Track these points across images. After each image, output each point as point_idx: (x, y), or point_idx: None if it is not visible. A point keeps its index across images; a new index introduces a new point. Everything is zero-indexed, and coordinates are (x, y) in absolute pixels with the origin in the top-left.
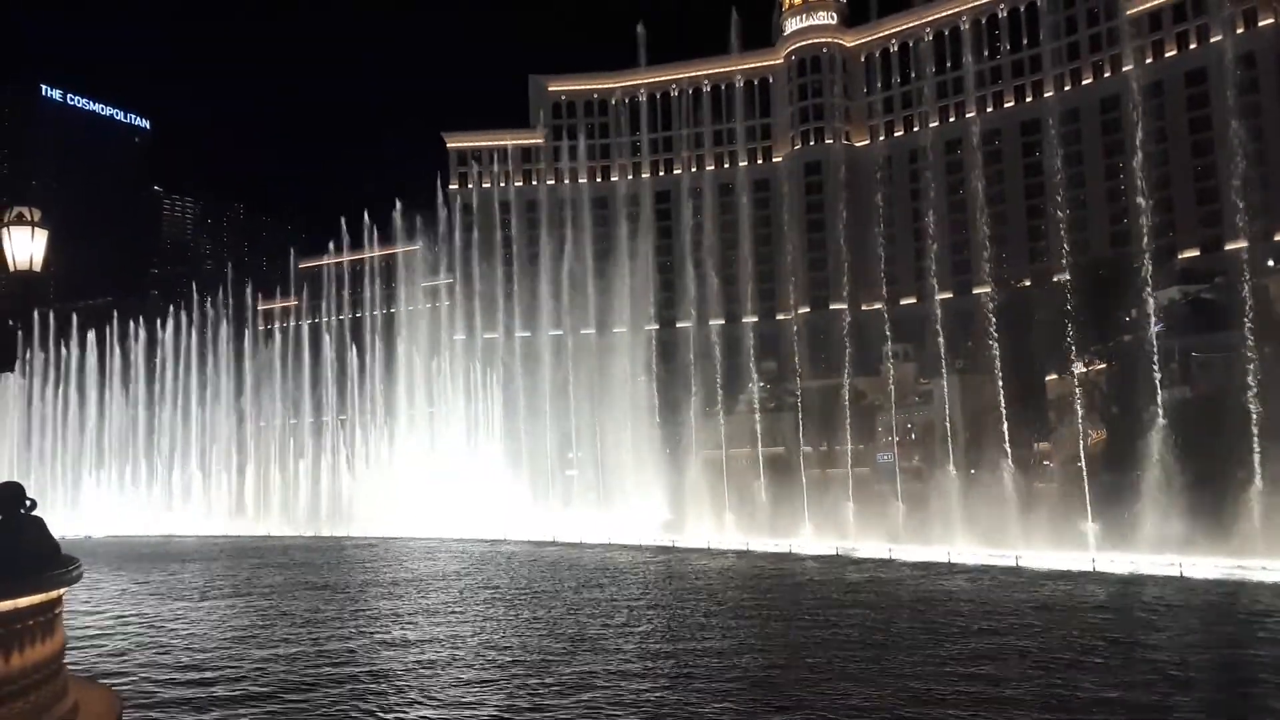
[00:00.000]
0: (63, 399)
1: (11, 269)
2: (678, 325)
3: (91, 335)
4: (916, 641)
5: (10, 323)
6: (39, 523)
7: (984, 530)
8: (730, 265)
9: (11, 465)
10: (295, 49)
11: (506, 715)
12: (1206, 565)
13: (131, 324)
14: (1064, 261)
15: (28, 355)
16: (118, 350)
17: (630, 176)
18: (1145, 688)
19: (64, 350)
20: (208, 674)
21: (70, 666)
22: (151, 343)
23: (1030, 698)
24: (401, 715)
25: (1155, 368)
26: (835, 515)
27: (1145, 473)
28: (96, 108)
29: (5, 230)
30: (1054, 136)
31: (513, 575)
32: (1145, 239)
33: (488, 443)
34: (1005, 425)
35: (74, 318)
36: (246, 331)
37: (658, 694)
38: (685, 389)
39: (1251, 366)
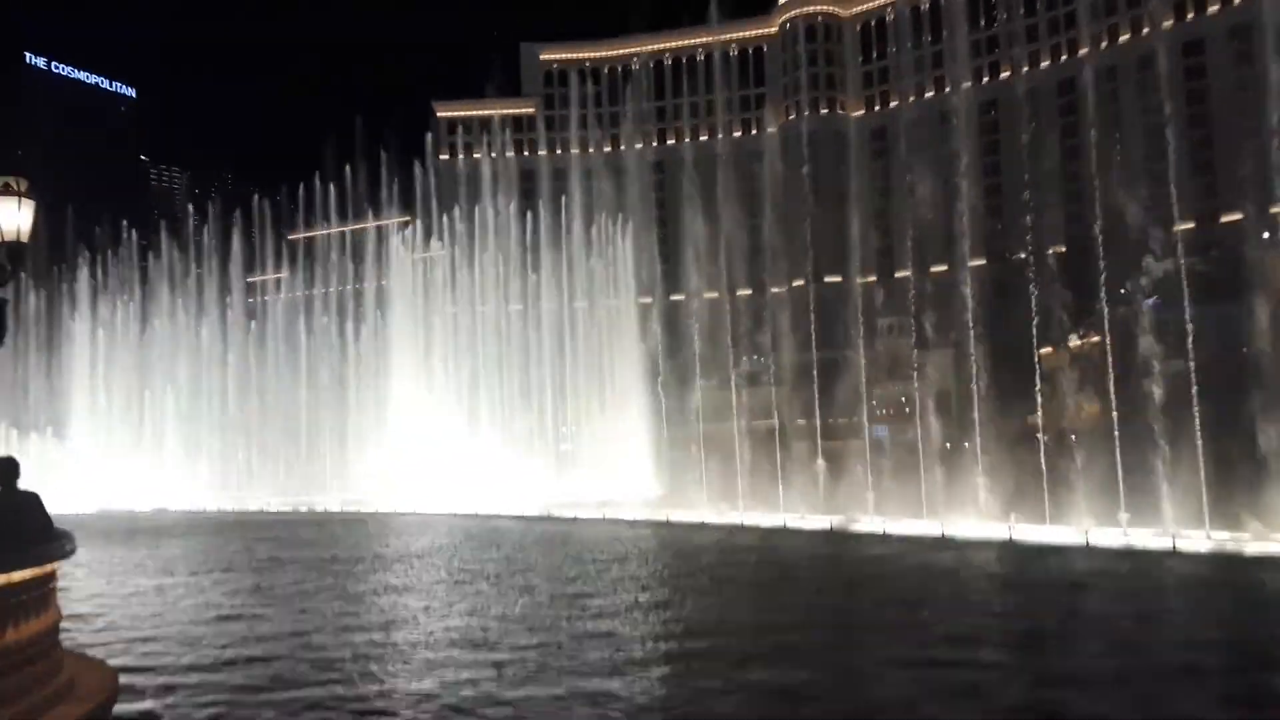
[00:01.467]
0: (54, 368)
1: None
2: (671, 298)
3: (82, 305)
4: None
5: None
6: (33, 497)
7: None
8: (724, 237)
9: (3, 440)
10: (282, 18)
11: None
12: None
13: (121, 294)
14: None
15: (15, 328)
16: (106, 318)
17: (623, 147)
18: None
19: (55, 319)
20: (200, 649)
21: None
22: (143, 313)
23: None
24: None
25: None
26: (829, 488)
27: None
28: (81, 76)
29: None
30: (1053, 108)
31: (508, 551)
32: (1141, 211)
33: (482, 417)
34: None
35: (64, 288)
36: (232, 302)
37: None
38: (680, 362)
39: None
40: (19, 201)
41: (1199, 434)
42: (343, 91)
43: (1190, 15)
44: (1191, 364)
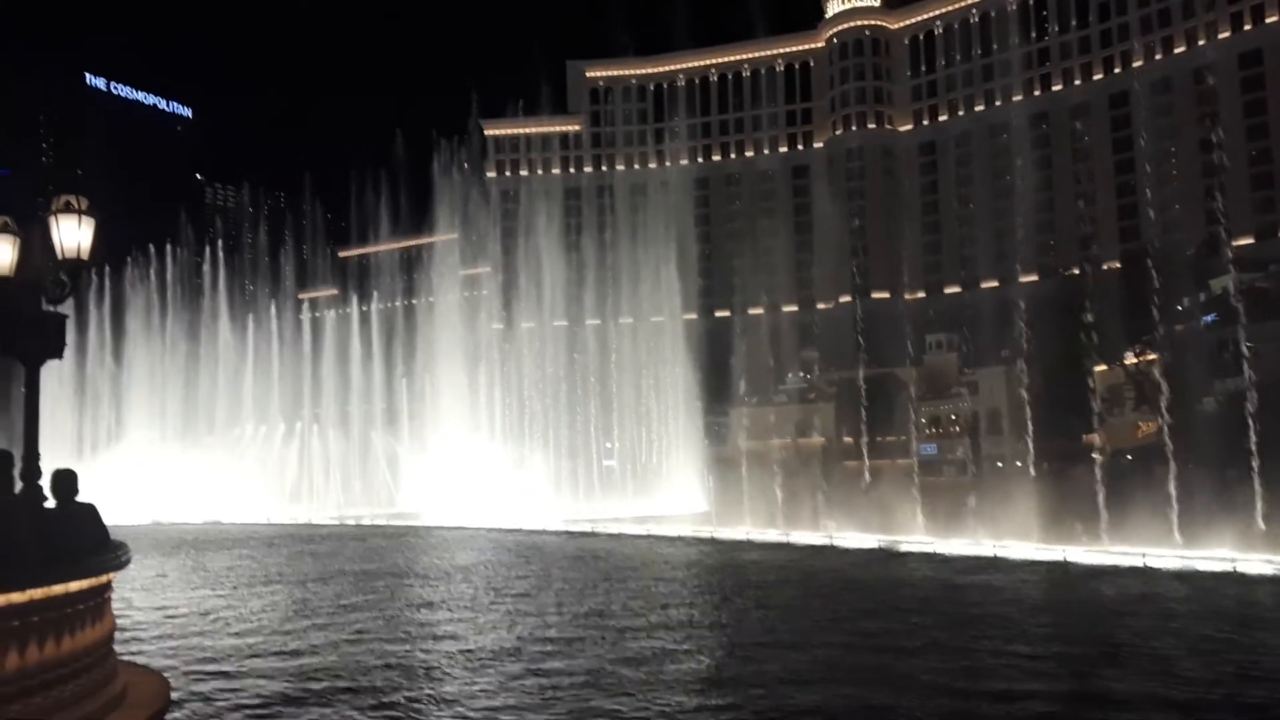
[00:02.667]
0: (113, 385)
1: (60, 257)
2: (716, 314)
3: (138, 323)
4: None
5: (59, 311)
6: (91, 509)
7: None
8: (769, 253)
9: (61, 450)
10: (333, 39)
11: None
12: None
13: (181, 311)
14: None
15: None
16: (169, 336)
17: (668, 163)
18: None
19: (112, 336)
20: (251, 660)
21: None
22: (198, 326)
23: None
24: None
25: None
26: (878, 508)
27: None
28: (140, 96)
29: (54, 219)
30: (1105, 121)
31: (549, 567)
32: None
33: (527, 432)
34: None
35: (122, 303)
36: (284, 319)
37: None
38: (725, 378)
39: None
40: (79, 219)
41: (1256, 454)
42: (391, 110)
43: (1248, 25)
44: (1251, 380)
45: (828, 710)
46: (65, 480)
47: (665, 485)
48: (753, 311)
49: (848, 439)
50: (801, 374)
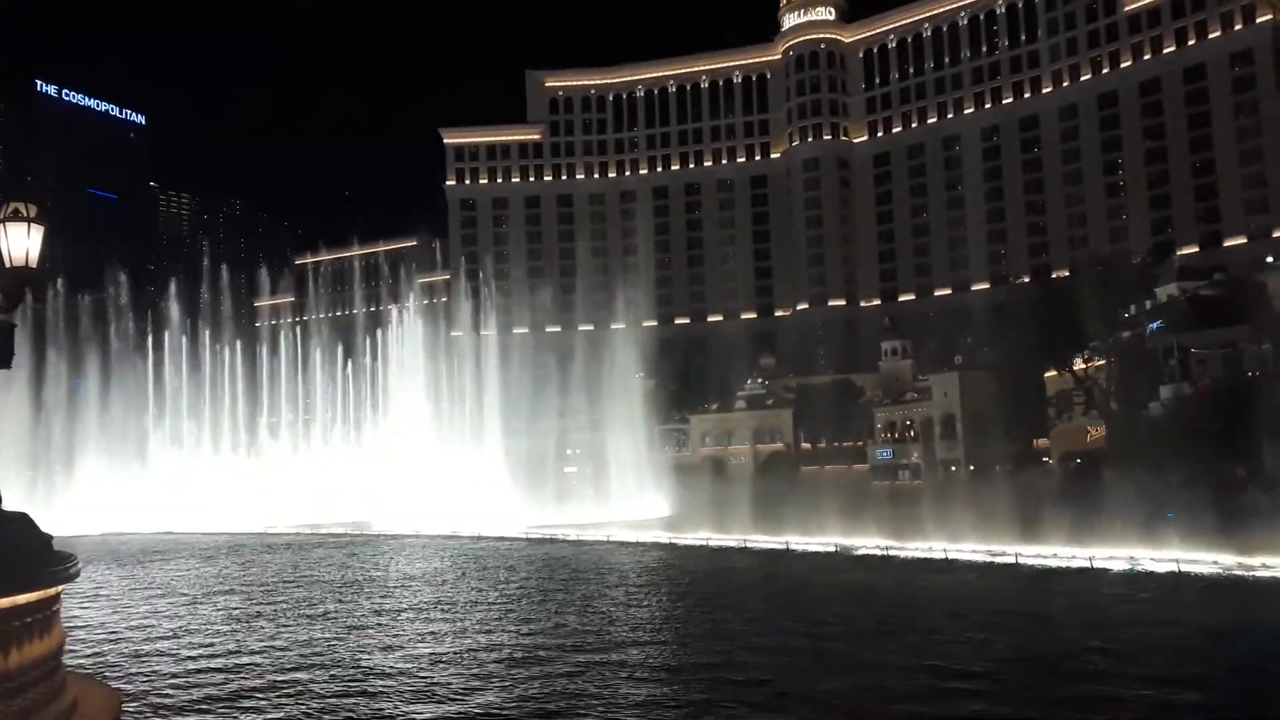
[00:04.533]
0: (59, 395)
1: (7, 265)
2: (676, 322)
3: (88, 330)
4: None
5: (6, 320)
6: (24, 517)
7: (978, 528)
8: (728, 262)
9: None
10: (290, 45)
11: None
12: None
13: (130, 319)
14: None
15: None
16: (115, 345)
17: (628, 173)
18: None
19: (58, 345)
20: (203, 669)
21: (68, 664)
22: (153, 336)
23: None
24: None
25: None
26: (833, 512)
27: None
28: (92, 103)
29: (1, 226)
30: (1054, 133)
31: (511, 573)
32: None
33: (486, 440)
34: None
35: (77, 312)
36: (237, 329)
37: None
38: (685, 385)
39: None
40: (29, 227)
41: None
42: (350, 119)
43: (1192, 40)
44: (1194, 386)
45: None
46: None
47: (626, 491)
48: (712, 319)
49: (805, 444)
50: (760, 380)
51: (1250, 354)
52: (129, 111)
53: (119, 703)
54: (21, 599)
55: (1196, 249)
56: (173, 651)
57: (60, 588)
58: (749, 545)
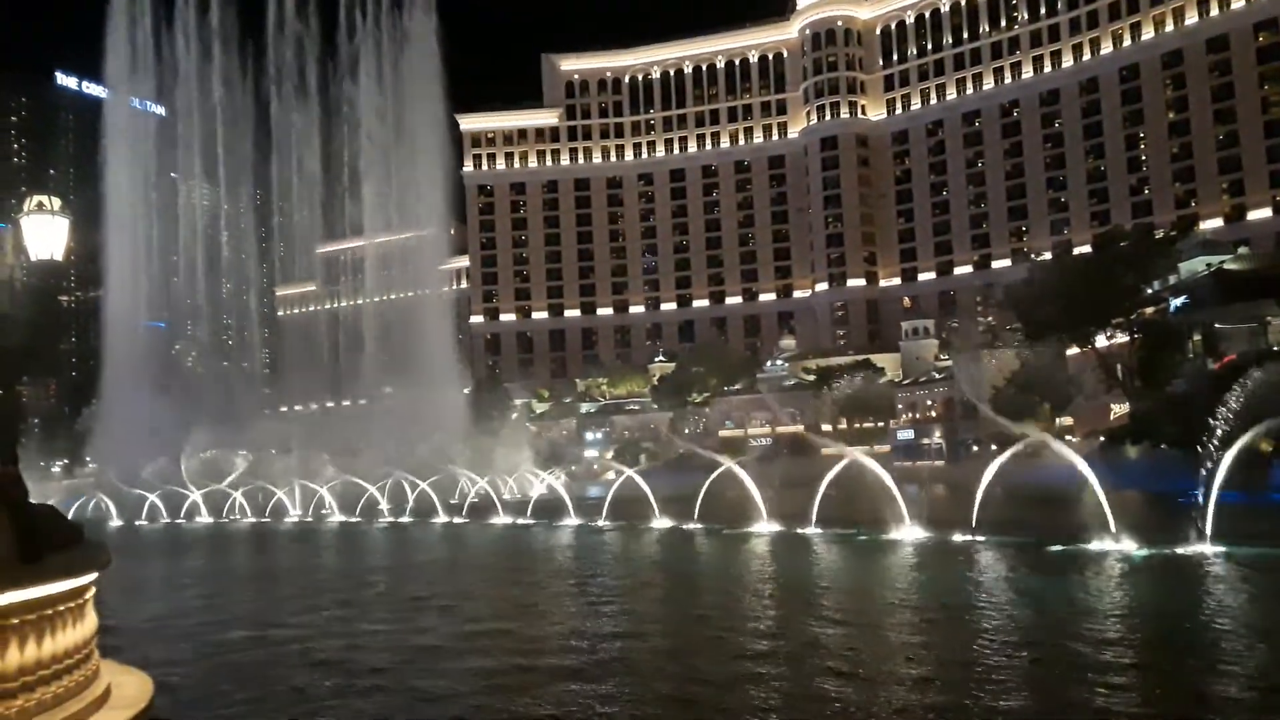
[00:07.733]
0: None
1: (33, 258)
2: (695, 304)
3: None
4: None
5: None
6: (54, 509)
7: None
8: (747, 243)
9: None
10: (304, 31)
11: None
12: None
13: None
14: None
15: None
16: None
17: (645, 155)
18: None
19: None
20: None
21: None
22: (179, 326)
23: None
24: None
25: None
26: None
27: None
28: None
29: (26, 220)
30: (1075, 107)
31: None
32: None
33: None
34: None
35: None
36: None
37: None
38: (705, 367)
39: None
40: (52, 220)
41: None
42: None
43: (1215, 11)
44: (1217, 362)
45: None
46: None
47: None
48: (731, 301)
49: (826, 426)
50: (780, 362)
51: (1276, 328)
52: (148, 102)
53: (152, 689)
54: (54, 588)
55: (1221, 222)
56: (212, 636)
57: (93, 576)
58: (762, 530)
